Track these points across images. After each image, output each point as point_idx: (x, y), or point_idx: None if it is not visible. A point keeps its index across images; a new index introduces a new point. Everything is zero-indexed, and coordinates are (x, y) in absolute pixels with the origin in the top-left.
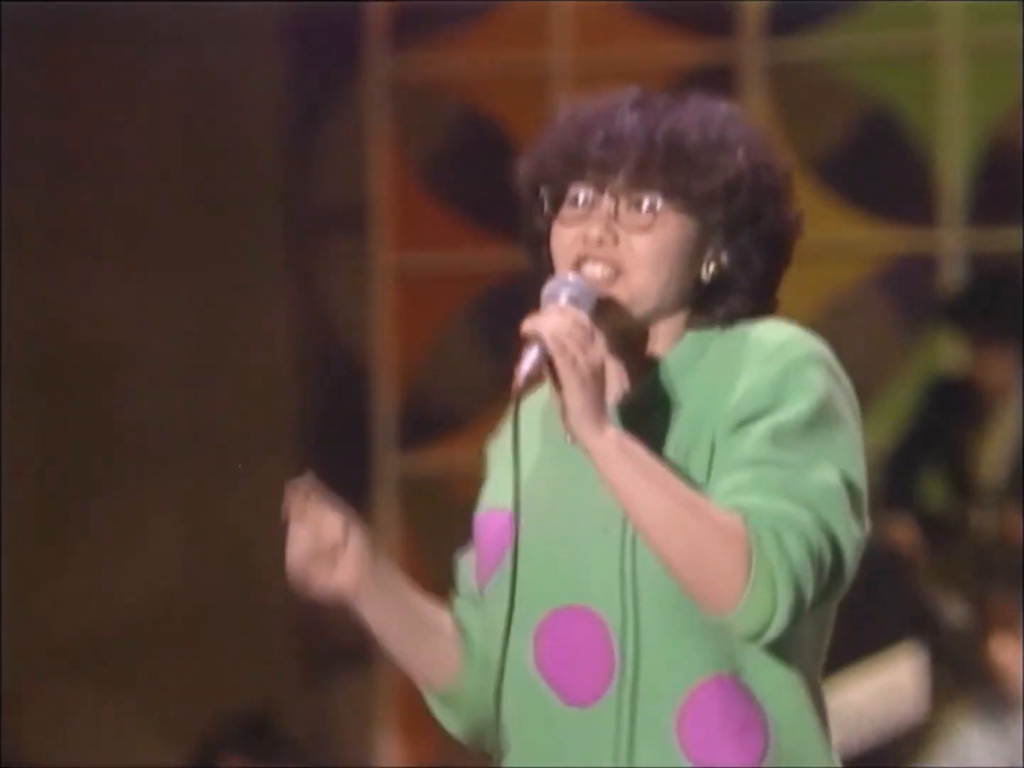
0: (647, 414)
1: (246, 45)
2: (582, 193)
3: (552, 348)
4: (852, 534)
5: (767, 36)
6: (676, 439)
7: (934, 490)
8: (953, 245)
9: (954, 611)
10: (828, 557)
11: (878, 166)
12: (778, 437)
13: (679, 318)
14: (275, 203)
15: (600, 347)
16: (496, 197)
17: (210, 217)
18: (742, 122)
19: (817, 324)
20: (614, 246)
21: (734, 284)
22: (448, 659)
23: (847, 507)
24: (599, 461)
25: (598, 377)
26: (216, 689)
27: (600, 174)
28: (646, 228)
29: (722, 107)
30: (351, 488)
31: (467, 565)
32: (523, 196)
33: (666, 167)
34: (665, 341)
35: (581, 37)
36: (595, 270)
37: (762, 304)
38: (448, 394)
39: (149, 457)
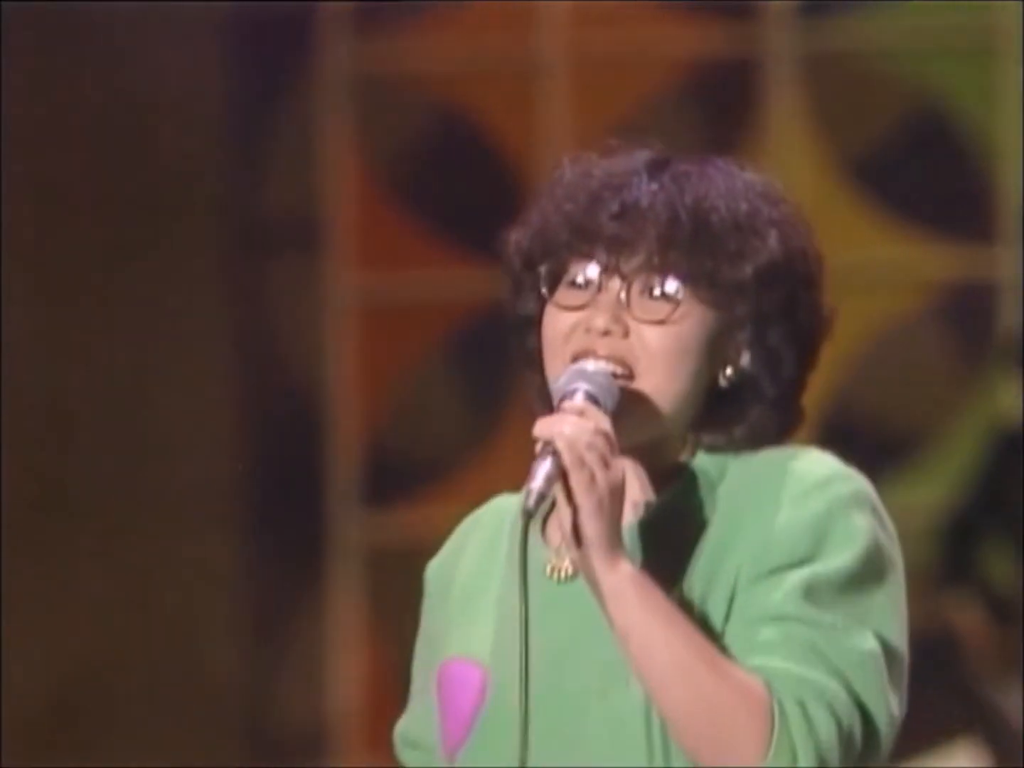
0: (649, 550)
1: (181, 35)
2: (588, 272)
3: (568, 462)
4: (888, 708)
5: (797, 21)
6: (690, 576)
7: (998, 563)
8: (1014, 267)
9: (1018, 703)
10: (859, 735)
11: (926, 174)
12: (812, 592)
13: (686, 436)
14: (213, 217)
15: (621, 464)
16: (475, 209)
17: (137, 235)
18: (775, 196)
19: (852, 364)
20: (622, 339)
21: (757, 391)
22: None
23: (884, 677)
24: (608, 598)
25: (616, 499)
26: None
27: (612, 252)
28: (662, 320)
29: (752, 179)
30: (303, 556)
31: (423, 714)
32: (513, 272)
33: (691, 248)
34: (669, 459)
35: (574, 22)
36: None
37: (787, 417)
38: (420, 444)
39: (71, 514)
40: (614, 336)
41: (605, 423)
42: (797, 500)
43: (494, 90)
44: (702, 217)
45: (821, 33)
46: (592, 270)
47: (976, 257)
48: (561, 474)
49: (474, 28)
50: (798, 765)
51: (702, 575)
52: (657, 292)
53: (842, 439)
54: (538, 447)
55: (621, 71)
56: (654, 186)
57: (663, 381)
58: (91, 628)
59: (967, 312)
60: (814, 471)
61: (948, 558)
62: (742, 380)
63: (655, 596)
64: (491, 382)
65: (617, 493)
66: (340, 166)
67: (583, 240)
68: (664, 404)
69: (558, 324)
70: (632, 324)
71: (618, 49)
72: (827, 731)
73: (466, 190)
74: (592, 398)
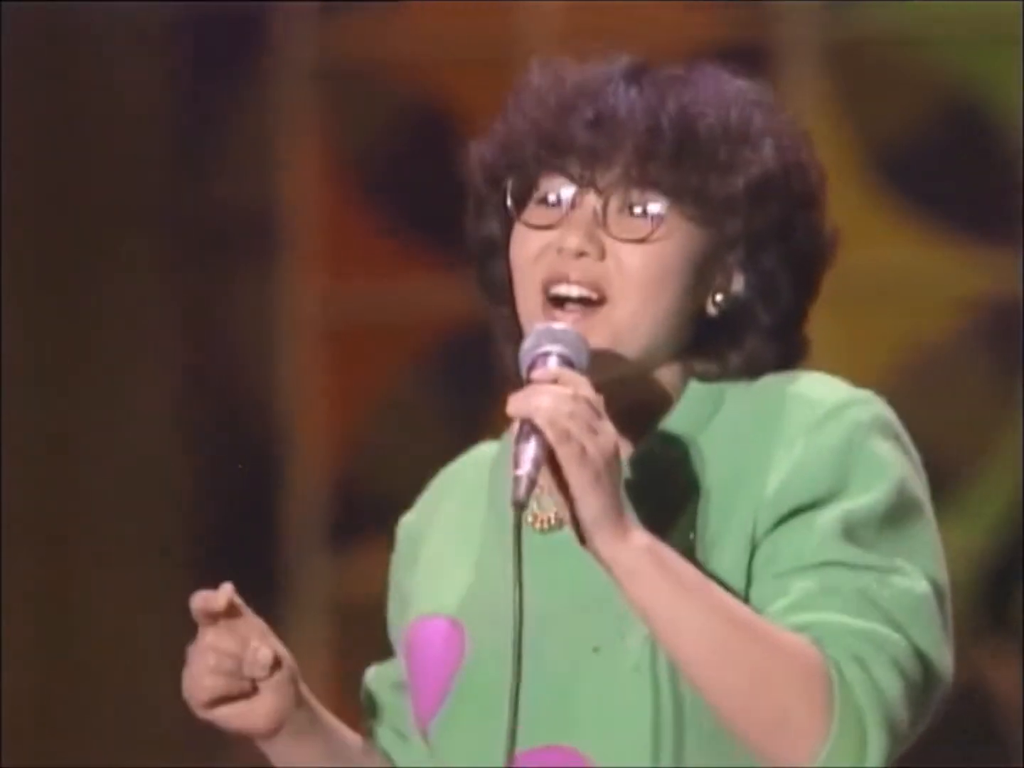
0: (642, 495)
1: (124, 23)
2: (559, 188)
3: (553, 437)
4: (945, 658)
5: (816, 4)
6: (695, 524)
7: None
8: None
9: None
10: (921, 689)
11: (960, 173)
12: (850, 531)
13: (673, 365)
14: (159, 222)
15: (610, 427)
16: (456, 211)
17: (77, 243)
18: (770, 106)
19: (881, 389)
20: (598, 261)
21: (752, 320)
22: None
23: (940, 622)
24: (624, 577)
25: (612, 467)
26: None
27: (586, 165)
28: (643, 239)
29: (744, 85)
30: (260, 604)
31: (391, 689)
32: (475, 189)
33: (675, 160)
34: (657, 396)
35: (562, 3)
36: (570, 292)
37: (788, 347)
38: (393, 478)
39: (10, 543)
40: (589, 257)
41: (586, 387)
42: (812, 429)
43: (474, 78)
44: (687, 125)
45: (843, 18)
46: (564, 185)
47: (1016, 268)
48: (548, 452)
49: (452, 10)
50: (867, 734)
51: (710, 521)
52: (637, 209)
53: None
54: (515, 427)
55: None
56: (633, 92)
57: (639, 306)
58: (28, 664)
59: (1004, 331)
60: (827, 396)
61: (984, 608)
62: (735, 307)
63: (676, 565)
64: (475, 408)
65: (612, 461)
66: (303, 165)
67: (553, 152)
68: (640, 333)
69: (527, 245)
70: (609, 244)
71: (613, 33)
72: (893, 688)
73: (445, 190)
74: (566, 360)
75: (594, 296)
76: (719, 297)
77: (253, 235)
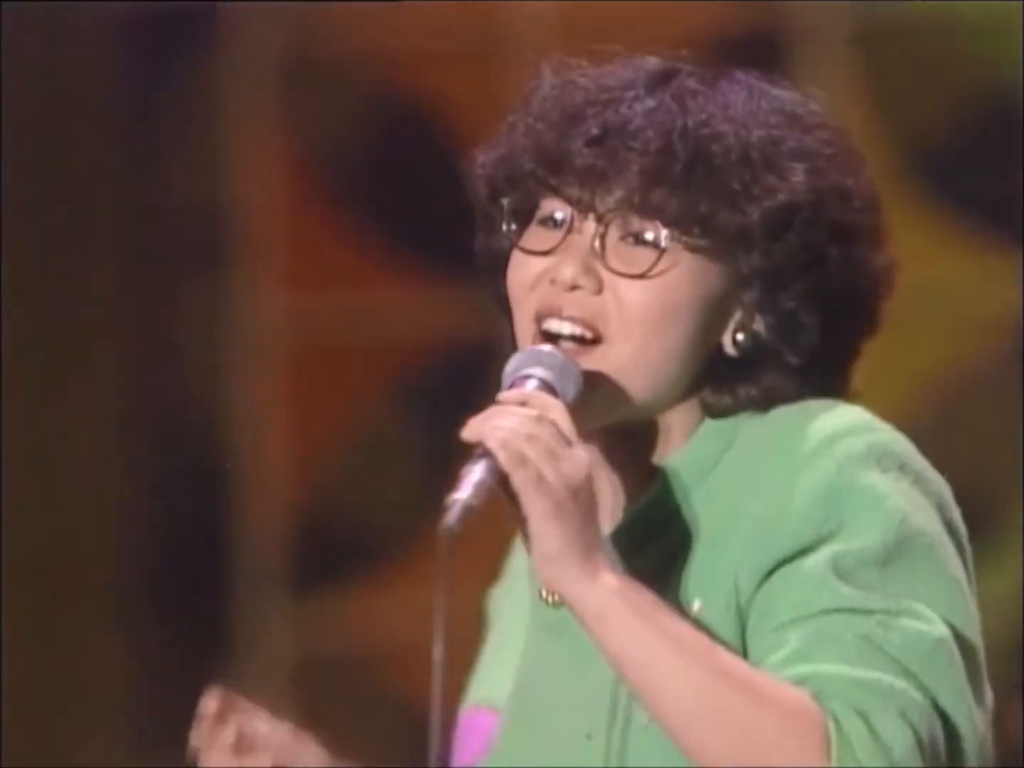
0: (647, 542)
1: (76, 13)
2: (556, 211)
3: (505, 461)
4: (969, 709)
5: None
6: (689, 574)
7: None
8: None
9: None
10: (942, 742)
11: (1002, 175)
12: (847, 573)
13: (692, 403)
14: (103, 226)
15: (581, 454)
16: (433, 217)
17: (11, 246)
18: (809, 120)
19: (905, 417)
20: (594, 295)
21: (776, 361)
22: None
23: (960, 670)
24: (591, 622)
25: (581, 499)
26: None
27: (585, 187)
28: (642, 274)
29: (784, 97)
30: (205, 660)
31: None
32: (479, 202)
33: (683, 185)
34: (674, 437)
35: None
36: (561, 329)
37: (821, 386)
38: (361, 516)
39: None
40: (584, 291)
41: (558, 411)
42: (801, 464)
43: (456, 72)
44: (700, 146)
45: (873, 7)
46: (560, 208)
47: None
48: (500, 479)
49: None
50: None
51: (700, 579)
52: (639, 238)
53: None
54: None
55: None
56: (649, 104)
57: (640, 347)
58: None
59: None
60: (823, 427)
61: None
62: (757, 347)
63: (653, 610)
64: (453, 435)
65: (580, 490)
66: (263, 165)
67: (550, 170)
68: (641, 374)
69: (523, 272)
70: (607, 276)
71: (609, 22)
72: (902, 743)
73: (423, 194)
74: (547, 386)
75: (588, 335)
76: (740, 336)
77: (205, 242)
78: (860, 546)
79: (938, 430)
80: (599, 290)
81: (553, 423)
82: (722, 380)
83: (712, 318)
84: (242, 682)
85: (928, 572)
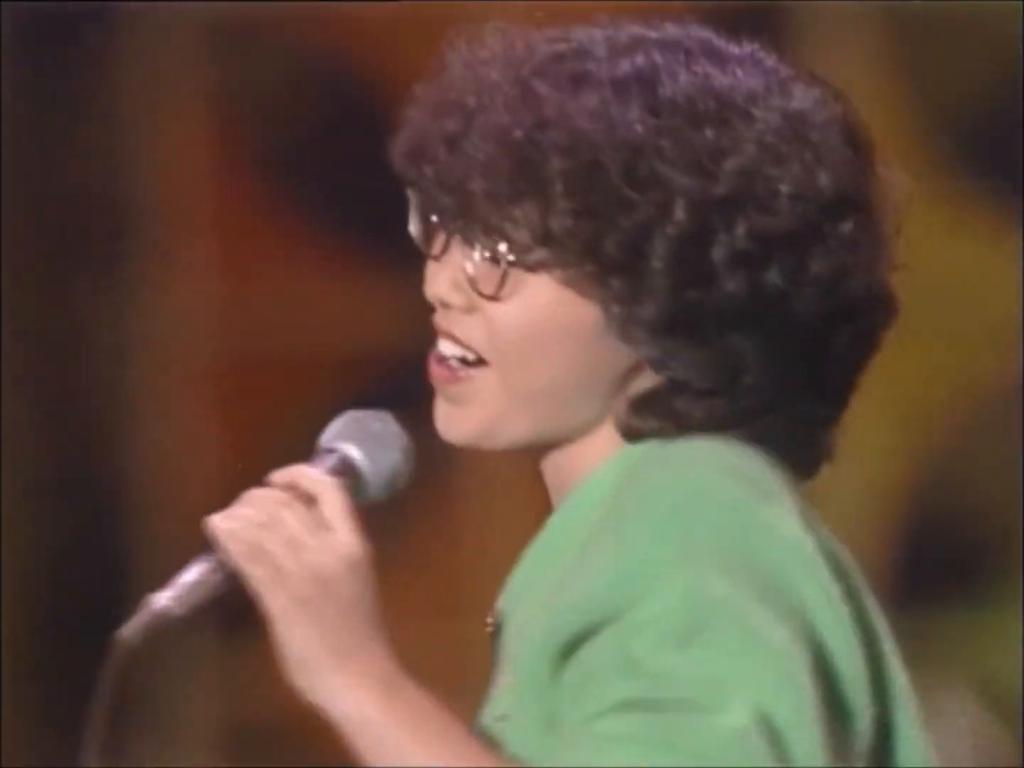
0: (534, 584)
1: None
2: (418, 223)
3: (236, 554)
4: None
5: None
6: (520, 640)
7: None
8: None
9: None
10: None
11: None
12: (633, 661)
13: (611, 427)
14: None
15: (342, 538)
16: (380, 201)
17: None
18: (775, 92)
19: (927, 439)
20: (465, 315)
21: (678, 384)
22: None
23: (763, 758)
24: (350, 736)
25: (335, 591)
26: None
27: (446, 189)
28: (493, 294)
29: (723, 78)
30: (120, 729)
31: None
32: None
33: (539, 191)
34: (587, 464)
35: None
36: (444, 349)
37: (752, 408)
38: None
39: None
40: (455, 311)
41: (325, 490)
42: (611, 523)
43: (408, 39)
44: (572, 144)
45: None
46: (421, 218)
47: None
48: (236, 574)
49: None
50: None
51: (523, 637)
52: (495, 255)
53: (907, 557)
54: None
55: (587, 11)
56: (540, 86)
57: (522, 372)
58: None
59: None
60: (653, 472)
61: None
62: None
63: (419, 722)
64: (427, 451)
65: (332, 580)
66: (183, 143)
67: (410, 167)
68: (530, 399)
69: (426, 278)
70: (475, 297)
71: None
72: None
73: (373, 177)
74: (348, 466)
75: (470, 356)
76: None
77: (113, 234)
78: (646, 621)
79: (952, 455)
80: (469, 310)
81: (308, 508)
82: (637, 402)
83: (605, 340)
84: (159, 758)
85: (740, 648)
